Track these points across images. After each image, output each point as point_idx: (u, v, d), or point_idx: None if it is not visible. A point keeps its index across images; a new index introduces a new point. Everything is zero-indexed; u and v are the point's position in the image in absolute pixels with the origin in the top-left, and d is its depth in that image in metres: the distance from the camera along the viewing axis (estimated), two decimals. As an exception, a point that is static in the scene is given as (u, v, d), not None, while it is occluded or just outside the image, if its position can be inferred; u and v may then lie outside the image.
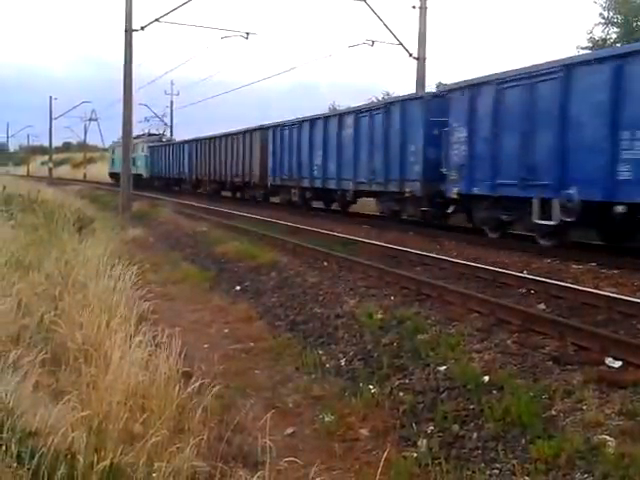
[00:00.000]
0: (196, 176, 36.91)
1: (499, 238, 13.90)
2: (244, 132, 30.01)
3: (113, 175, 50.38)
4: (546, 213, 12.19)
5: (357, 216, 21.34)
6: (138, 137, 43.17)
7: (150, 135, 46.56)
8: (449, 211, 16.54)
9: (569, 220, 11.77)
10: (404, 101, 17.94)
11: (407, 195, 17.18)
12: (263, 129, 27.90)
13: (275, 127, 26.46)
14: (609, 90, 10.76)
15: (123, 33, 24.14)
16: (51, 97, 65.96)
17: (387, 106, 18.62)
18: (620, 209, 10.80)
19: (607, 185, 10.84)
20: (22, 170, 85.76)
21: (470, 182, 14.43)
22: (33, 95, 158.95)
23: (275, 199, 27.43)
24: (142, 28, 24.17)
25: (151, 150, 43.16)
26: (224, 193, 34.05)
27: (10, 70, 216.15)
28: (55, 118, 66.73)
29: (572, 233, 12.74)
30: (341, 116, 21.27)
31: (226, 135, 32.63)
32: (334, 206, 23.52)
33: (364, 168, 19.16)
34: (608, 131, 10.79)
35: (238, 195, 32.13)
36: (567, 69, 11.68)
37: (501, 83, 13.46)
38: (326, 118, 22.50)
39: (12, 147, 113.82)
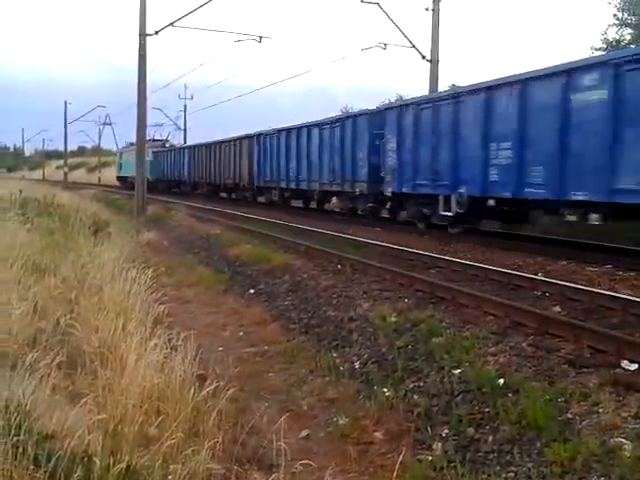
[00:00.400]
0: (194, 179, 40.35)
1: (426, 229, 16.85)
2: (234, 140, 33.45)
3: (120, 179, 54.27)
4: (447, 206, 15.94)
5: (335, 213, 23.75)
6: (149, 142, 43.18)
7: (154, 141, 49.01)
8: (387, 207, 20.28)
9: (461, 211, 15.54)
10: (355, 116, 21.85)
11: (357, 194, 20.92)
12: (250, 137, 31.09)
13: (259, 136, 29.85)
14: (483, 113, 14.53)
15: (137, 37, 24.31)
16: (66, 102, 66.34)
17: (342, 120, 22.37)
18: (491, 202, 14.52)
19: (483, 184, 14.54)
20: (37, 174, 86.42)
21: (400, 183, 18.08)
22: (48, 99, 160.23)
23: (261, 199, 30.92)
24: (156, 32, 24.34)
25: (155, 155, 45.79)
26: (221, 194, 37.45)
27: (25, 75, 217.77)
28: (70, 123, 67.14)
29: (482, 223, 16.56)
30: (309, 128, 24.71)
31: (219, 142, 36.20)
32: (312, 204, 26.86)
33: (326, 172, 22.94)
34: (482, 143, 14.48)
35: (234, 196, 35.08)
36: (457, 97, 15.81)
37: (419, 105, 17.48)
38: (298, 129, 25.68)
39: (27, 152, 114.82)
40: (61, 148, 76.70)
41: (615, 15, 23.81)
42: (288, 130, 26.59)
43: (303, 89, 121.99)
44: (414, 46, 24.42)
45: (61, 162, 77.90)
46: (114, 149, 74.41)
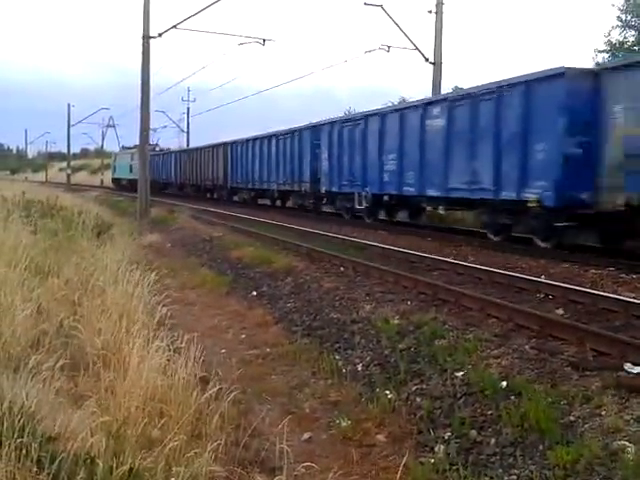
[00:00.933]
0: (180, 180, 45.05)
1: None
2: (212, 147, 38.62)
3: (115, 180, 58.30)
4: (360, 201, 20.80)
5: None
6: (135, 147, 46.13)
7: (149, 145, 49.60)
8: (323, 202, 25.32)
9: (368, 205, 20.60)
10: (301, 130, 26.61)
11: (303, 192, 26.08)
12: (225, 145, 36.11)
13: (232, 144, 34.88)
14: (379, 132, 19.72)
15: (141, 40, 24.36)
16: (69, 104, 66.53)
17: (293, 133, 27.16)
18: (386, 198, 19.97)
19: (380, 185, 19.76)
20: (40, 176, 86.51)
21: (330, 184, 23.00)
22: (51, 101, 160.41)
23: (236, 197, 36.03)
24: (160, 35, 24.40)
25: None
26: (202, 194, 41.54)
27: (28, 77, 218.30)
28: (73, 125, 67.31)
29: (395, 214, 21.56)
30: (269, 138, 29.68)
31: (200, 148, 41.57)
32: (277, 203, 31.26)
33: (282, 174, 27.74)
34: (379, 155, 19.69)
35: (215, 195, 39.53)
36: (365, 118, 20.97)
37: (342, 123, 22.57)
38: (261, 139, 30.75)
39: (30, 153, 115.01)
40: (64, 150, 76.86)
41: (619, 17, 23.81)
42: (254, 139, 31.77)
43: (307, 91, 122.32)
44: (417, 48, 24.50)
45: (64, 164, 78.11)
46: (117, 151, 74.83)
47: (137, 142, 25.38)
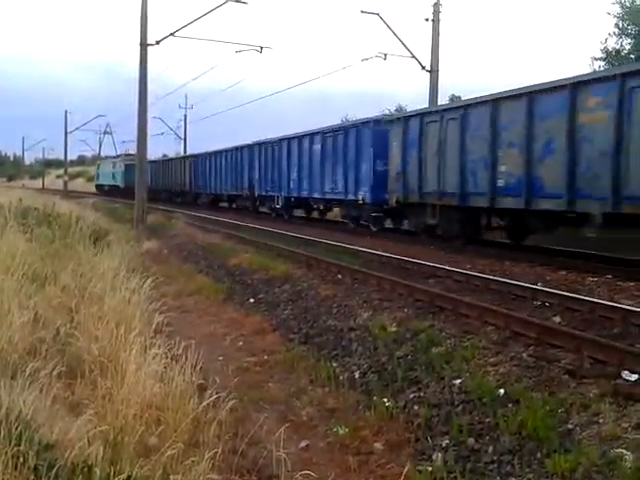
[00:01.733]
0: (156, 186, 49.25)
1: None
2: (181, 158, 47.26)
3: (98, 186, 64.79)
4: (278, 202, 27.46)
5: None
6: (118, 157, 59.55)
7: (127, 155, 57.51)
8: (256, 204, 31.87)
9: (282, 205, 27.32)
10: (242, 148, 33.14)
11: (244, 196, 32.81)
12: (192, 157, 43.49)
13: (195, 156, 42.41)
14: (286, 152, 26.88)
15: (138, 47, 24.37)
16: (66, 111, 66.43)
17: (237, 149, 33.98)
18: (292, 199, 26.69)
19: (288, 190, 26.56)
20: (37, 183, 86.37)
21: (260, 188, 30.09)
22: (48, 108, 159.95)
23: (199, 201, 41.29)
24: (157, 42, 24.41)
25: (126, 167, 53.00)
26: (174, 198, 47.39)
27: (25, 83, 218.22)
28: (70, 132, 67.22)
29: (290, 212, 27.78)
30: (226, 152, 35.91)
31: (171, 159, 51.19)
32: (235, 205, 36.40)
33: (230, 182, 34.53)
34: (287, 167, 26.85)
35: (180, 199, 45.02)
36: (280, 142, 27.93)
37: (265, 145, 29.68)
38: (215, 154, 37.76)
39: (27, 160, 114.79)
40: (61, 157, 76.73)
41: (616, 24, 23.88)
42: (210, 154, 38.67)
43: (305, 97, 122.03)
44: (414, 56, 24.55)
45: (61, 171, 78.18)
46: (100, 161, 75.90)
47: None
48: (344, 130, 22.40)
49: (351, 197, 21.28)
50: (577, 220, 12.43)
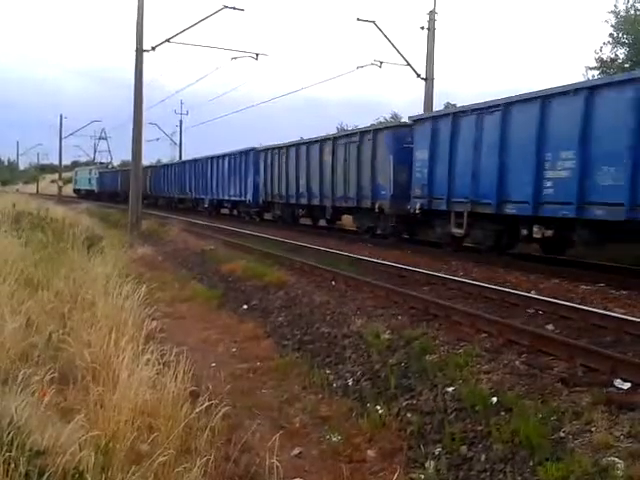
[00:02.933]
0: (126, 192, 53.64)
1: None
2: (146, 167, 48.04)
3: (75, 190, 71.89)
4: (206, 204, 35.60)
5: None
6: (94, 164, 69.97)
7: (101, 164, 69.99)
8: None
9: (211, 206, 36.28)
10: (219, 156, 35.43)
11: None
12: (150, 167, 50.27)
13: (155, 166, 50.13)
14: (215, 167, 35.41)
15: (134, 53, 24.38)
16: (61, 116, 66.42)
17: (222, 156, 34.72)
18: (220, 201, 35.25)
19: (217, 193, 35.25)
20: (32, 188, 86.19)
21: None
22: (43, 113, 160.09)
23: (181, 205, 43.41)
24: (153, 48, 24.41)
25: (100, 174, 63.60)
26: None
27: (20, 88, 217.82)
28: (65, 137, 67.17)
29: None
30: (217, 158, 35.81)
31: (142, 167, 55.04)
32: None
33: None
34: (218, 177, 35.02)
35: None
36: (222, 157, 34.60)
37: (212, 158, 35.91)
38: (208, 159, 37.54)
39: (22, 165, 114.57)
40: (56, 162, 76.67)
41: (611, 34, 23.98)
42: (195, 160, 40.44)
43: (300, 104, 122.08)
44: (409, 64, 24.63)
45: (55, 176, 78.29)
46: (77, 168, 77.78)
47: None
48: (360, 135, 20.77)
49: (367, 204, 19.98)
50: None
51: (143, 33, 24.32)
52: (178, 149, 61.74)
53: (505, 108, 14.11)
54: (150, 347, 6.34)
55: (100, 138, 75.10)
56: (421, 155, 17.19)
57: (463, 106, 16.82)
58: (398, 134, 18.83)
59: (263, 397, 7.16)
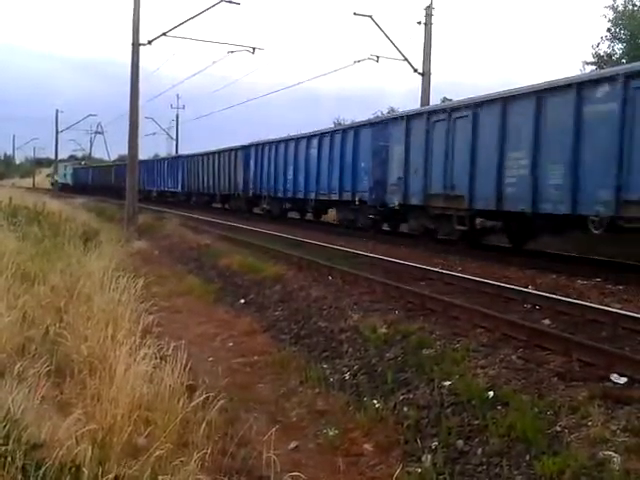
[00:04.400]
0: (95, 185, 62.97)
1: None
2: (114, 165, 57.99)
3: (52, 184, 76.07)
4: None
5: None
6: (69, 160, 79.38)
7: (76, 159, 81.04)
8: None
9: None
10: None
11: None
12: (116, 165, 54.94)
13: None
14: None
15: (130, 47, 24.30)
16: (57, 110, 66.52)
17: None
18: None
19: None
20: (28, 182, 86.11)
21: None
22: (40, 108, 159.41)
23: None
24: (149, 42, 24.32)
25: (74, 170, 73.74)
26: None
27: (16, 82, 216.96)
28: (61, 131, 67.17)
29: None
30: (195, 156, 39.74)
31: (109, 165, 62.89)
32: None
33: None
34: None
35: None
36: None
37: (188, 157, 40.28)
38: (190, 156, 41.37)
39: (18, 159, 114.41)
40: (52, 156, 76.73)
41: (609, 29, 23.97)
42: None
43: (297, 98, 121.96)
44: (406, 59, 24.61)
45: (52, 170, 78.57)
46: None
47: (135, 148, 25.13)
48: (343, 132, 21.93)
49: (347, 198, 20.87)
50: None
51: (140, 27, 24.23)
52: (175, 143, 61.76)
53: (474, 109, 14.77)
54: (147, 341, 6.35)
55: (96, 132, 75.15)
56: (398, 151, 17.81)
57: (436, 105, 18.70)
58: (377, 131, 19.50)
59: (260, 391, 7.16)
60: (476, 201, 14.57)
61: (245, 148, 31.45)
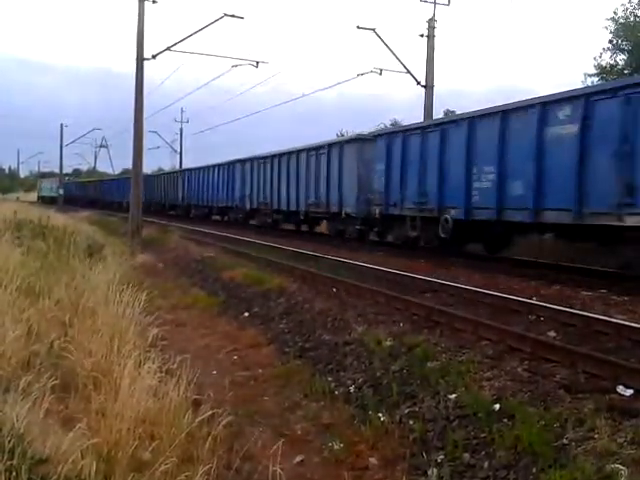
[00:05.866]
0: (79, 197, 70.64)
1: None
2: (97, 181, 67.69)
3: (39, 197, 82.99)
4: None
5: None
6: (57, 175, 76.82)
7: (66, 175, 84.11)
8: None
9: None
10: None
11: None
12: (98, 181, 65.66)
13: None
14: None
15: (134, 62, 24.43)
16: (62, 124, 66.74)
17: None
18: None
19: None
20: (32, 196, 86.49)
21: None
22: (44, 122, 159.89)
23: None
24: (154, 57, 24.47)
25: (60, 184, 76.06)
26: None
27: (21, 96, 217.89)
28: (66, 145, 67.43)
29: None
30: (192, 170, 42.35)
31: (90, 181, 73.14)
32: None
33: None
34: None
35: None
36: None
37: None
38: (191, 169, 43.37)
39: (22, 173, 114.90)
40: (56, 170, 77.00)
41: (611, 41, 24.02)
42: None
43: (301, 110, 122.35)
44: (409, 72, 24.72)
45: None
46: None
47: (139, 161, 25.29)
48: (329, 147, 23.19)
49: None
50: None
51: (144, 41, 24.39)
52: (178, 157, 61.96)
53: (442, 128, 16.63)
54: (151, 355, 6.34)
55: (101, 146, 75.54)
56: (380, 166, 19.25)
57: (411, 124, 20.02)
58: (361, 147, 21.13)
59: (265, 404, 7.14)
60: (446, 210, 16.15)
61: (234, 163, 33.39)
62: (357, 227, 21.29)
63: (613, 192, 11.25)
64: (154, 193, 49.45)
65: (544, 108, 12.95)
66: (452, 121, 16.87)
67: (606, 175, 11.44)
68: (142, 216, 25.96)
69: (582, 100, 12.03)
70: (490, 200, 14.36)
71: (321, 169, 23.37)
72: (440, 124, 17.23)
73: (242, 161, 32.52)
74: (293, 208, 26.00)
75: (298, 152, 25.78)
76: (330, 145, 23.35)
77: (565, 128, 12.37)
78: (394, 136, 18.93)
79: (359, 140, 21.73)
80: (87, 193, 70.61)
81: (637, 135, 10.94)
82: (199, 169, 41.06)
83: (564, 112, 12.45)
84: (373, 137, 20.81)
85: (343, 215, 21.82)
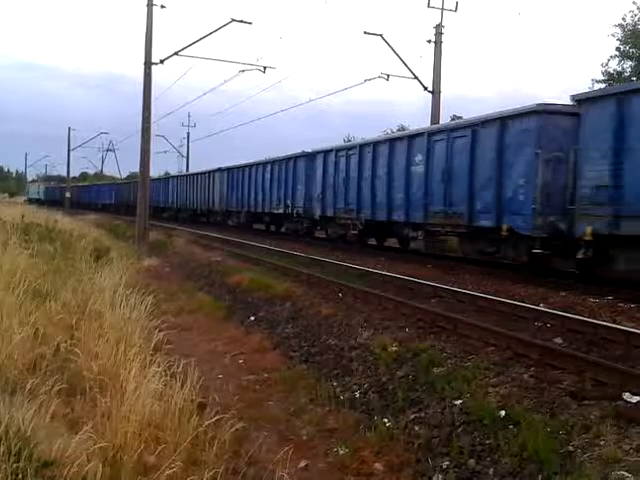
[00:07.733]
0: (63, 199, 70.67)
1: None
2: (81, 185, 75.92)
3: (28, 200, 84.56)
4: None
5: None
6: (42, 179, 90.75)
7: (49, 178, 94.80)
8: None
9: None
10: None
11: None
12: (81, 185, 75.55)
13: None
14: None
15: (142, 66, 24.50)
16: (69, 128, 67.02)
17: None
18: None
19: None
20: (21, 199, 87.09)
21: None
22: (52, 126, 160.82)
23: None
24: (162, 61, 24.54)
25: (46, 187, 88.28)
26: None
27: (29, 100, 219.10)
28: (73, 149, 67.69)
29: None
30: (183, 177, 45.13)
31: (74, 185, 75.80)
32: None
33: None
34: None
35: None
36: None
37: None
38: (180, 175, 47.44)
39: (30, 177, 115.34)
40: (64, 174, 77.44)
41: (618, 48, 24.00)
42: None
43: (308, 115, 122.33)
44: (416, 77, 24.69)
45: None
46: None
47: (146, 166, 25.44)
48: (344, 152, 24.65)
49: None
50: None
51: (152, 46, 24.46)
52: (185, 161, 62.13)
53: (360, 151, 20.51)
54: (157, 358, 6.35)
55: (108, 150, 75.86)
56: (319, 175, 23.45)
57: (341, 144, 25.94)
58: (308, 161, 24.92)
59: (270, 409, 7.14)
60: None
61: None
62: (304, 225, 25.74)
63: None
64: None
65: (406, 143, 17.83)
66: (366, 144, 20.75)
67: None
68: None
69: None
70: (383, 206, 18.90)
71: (281, 177, 27.87)
72: (360, 146, 20.96)
73: (222, 170, 35.96)
74: (259, 209, 30.30)
75: (264, 165, 30.48)
76: (296, 157, 26.60)
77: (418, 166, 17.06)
78: (328, 154, 23.05)
79: (304, 156, 25.68)
80: (71, 195, 73.33)
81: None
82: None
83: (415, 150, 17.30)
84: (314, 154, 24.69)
85: (294, 216, 26.11)
